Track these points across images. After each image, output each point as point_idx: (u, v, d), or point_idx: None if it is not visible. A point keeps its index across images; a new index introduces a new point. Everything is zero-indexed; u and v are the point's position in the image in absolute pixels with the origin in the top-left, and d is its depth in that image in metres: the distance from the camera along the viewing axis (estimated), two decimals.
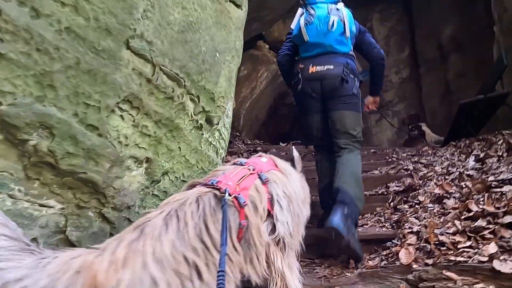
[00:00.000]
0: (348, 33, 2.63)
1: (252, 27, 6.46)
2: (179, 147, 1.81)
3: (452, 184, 1.95)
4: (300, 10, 2.80)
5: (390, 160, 3.22)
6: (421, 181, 2.21)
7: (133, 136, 1.57)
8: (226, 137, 2.23)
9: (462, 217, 1.55)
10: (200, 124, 1.93)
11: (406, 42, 8.57)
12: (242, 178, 1.24)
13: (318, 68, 2.59)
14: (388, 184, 2.43)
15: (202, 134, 1.97)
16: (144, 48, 1.56)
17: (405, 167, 2.67)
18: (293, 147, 2.00)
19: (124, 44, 1.49)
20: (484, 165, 2.11)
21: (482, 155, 2.21)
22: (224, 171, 1.33)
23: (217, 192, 1.17)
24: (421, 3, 8.39)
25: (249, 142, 4.53)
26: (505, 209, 1.45)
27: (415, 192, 2.08)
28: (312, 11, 2.67)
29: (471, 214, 1.54)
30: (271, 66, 7.41)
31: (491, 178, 1.77)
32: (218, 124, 2.08)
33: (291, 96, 8.99)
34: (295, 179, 1.46)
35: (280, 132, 9.25)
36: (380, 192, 2.37)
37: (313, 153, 2.96)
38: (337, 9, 2.67)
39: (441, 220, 1.64)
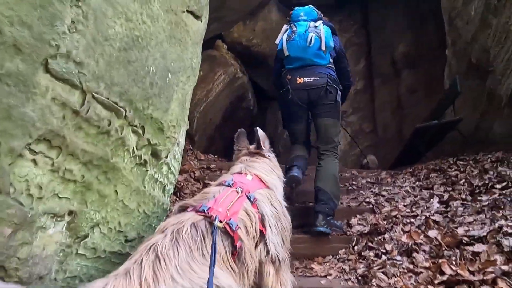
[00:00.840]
0: (324, 47, 2.87)
1: (211, 27, 6.10)
2: (116, 191, 1.46)
3: (420, 232, 1.84)
4: (284, 27, 3.10)
5: (350, 188, 3.11)
6: (385, 223, 2.08)
7: (50, 184, 1.21)
8: (176, 169, 1.91)
9: (436, 281, 1.42)
10: (144, 160, 1.59)
11: (362, 54, 8.73)
12: (231, 202, 1.28)
13: (305, 79, 2.87)
14: (350, 222, 2.28)
15: (146, 171, 1.63)
16: (70, 70, 1.19)
17: (367, 199, 2.56)
18: (258, 128, 2.04)
19: (41, 66, 1.12)
20: (449, 209, 2.04)
21: (445, 196, 2.15)
22: (213, 194, 1.35)
23: (209, 220, 1.21)
24: (377, 18, 8.60)
25: (202, 158, 4.21)
26: (481, 276, 1.34)
27: (380, 237, 1.94)
28: (294, 28, 2.96)
29: (444, 278, 1.42)
30: (229, 69, 7.09)
31: (461, 230, 1.69)
32: (167, 157, 1.75)
33: (248, 100, 8.76)
34: (279, 188, 1.54)
35: None
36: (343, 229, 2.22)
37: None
38: (316, 26, 2.95)
39: (412, 280, 1.50)
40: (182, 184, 2.95)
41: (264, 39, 8.38)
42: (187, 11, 1.79)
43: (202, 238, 1.13)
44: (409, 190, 2.55)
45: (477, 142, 4.13)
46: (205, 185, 3.18)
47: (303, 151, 3.00)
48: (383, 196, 2.58)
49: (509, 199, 1.77)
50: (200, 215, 1.23)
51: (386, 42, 8.19)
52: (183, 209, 1.33)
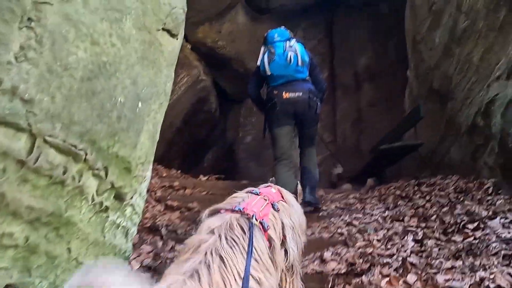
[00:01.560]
0: (301, 63, 3.27)
1: None
2: (69, 249, 1.20)
3: (398, 276, 1.80)
4: (262, 49, 3.42)
5: (320, 214, 3.04)
6: (362, 261, 2.01)
7: None
8: (141, 207, 1.66)
9: None
10: (106, 206, 1.34)
11: (325, 64, 8.84)
12: (262, 206, 1.36)
13: (291, 94, 3.22)
14: (323, 256, 2.18)
15: (107, 217, 1.38)
16: (16, 111, 0.93)
17: (338, 229, 2.50)
18: (298, 182, 2.32)
19: None
20: (423, 248, 2.03)
21: (420, 234, 2.14)
22: (243, 198, 1.41)
23: (246, 217, 1.26)
24: (341, 29, 8.76)
25: (164, 175, 3.90)
26: None
27: (358, 280, 1.85)
28: (272, 50, 3.29)
29: None
30: (192, 71, 6.77)
31: (441, 279, 1.66)
32: (132, 198, 1.51)
33: (210, 103, 8.48)
34: (297, 210, 1.59)
35: (197, 138, 8.69)
36: (316, 264, 2.11)
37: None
38: (291, 46, 3.30)
39: None
40: None
41: (229, 42, 8.16)
42: (163, 29, 1.56)
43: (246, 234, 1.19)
44: (380, 221, 2.53)
45: (434, 164, 4.30)
46: (167, 207, 2.93)
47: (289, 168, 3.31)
48: (354, 226, 2.53)
49: (484, 244, 1.79)
50: (238, 213, 1.28)
51: (349, 54, 8.37)
52: (214, 212, 1.33)
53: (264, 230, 1.27)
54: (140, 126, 1.44)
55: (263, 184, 1.63)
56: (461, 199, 2.61)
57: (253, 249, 1.13)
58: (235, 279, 1.00)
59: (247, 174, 8.29)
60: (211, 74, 8.30)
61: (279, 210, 1.43)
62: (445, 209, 2.42)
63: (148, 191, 3.01)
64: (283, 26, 3.57)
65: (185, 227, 2.76)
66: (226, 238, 1.12)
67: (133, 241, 1.63)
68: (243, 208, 1.28)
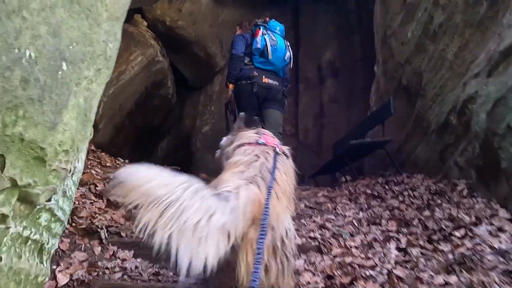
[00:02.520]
0: (290, 66, 3.71)
1: None
2: None
3: None
4: (262, 29, 3.49)
5: None
6: (341, 273, 1.73)
7: None
8: (66, 212, 1.22)
9: None
10: (2, 214, 0.89)
11: None
12: (277, 142, 1.63)
13: (270, 80, 3.43)
14: (296, 265, 1.88)
15: (7, 229, 0.93)
16: None
17: (311, 233, 2.21)
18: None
19: None
20: (408, 258, 1.80)
21: (403, 241, 1.91)
22: (259, 134, 1.67)
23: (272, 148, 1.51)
24: (308, 21, 8.55)
25: (108, 164, 3.32)
26: None
27: None
28: (274, 38, 3.46)
29: None
30: (148, 50, 6.12)
31: None
32: (50, 200, 1.06)
33: (167, 88, 7.84)
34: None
35: (150, 125, 8.05)
36: None
37: None
38: (289, 45, 3.60)
39: None
40: (77, 202, 2.17)
41: (190, 23, 7.58)
42: None
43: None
44: (356, 224, 2.29)
45: (399, 162, 4.21)
46: (109, 203, 2.44)
47: None
48: (328, 229, 2.26)
49: (478, 257, 1.59)
50: (264, 146, 1.52)
51: (315, 47, 8.19)
52: (240, 145, 1.54)
53: (287, 157, 1.56)
54: (63, 98, 0.99)
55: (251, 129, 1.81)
56: (438, 201, 2.44)
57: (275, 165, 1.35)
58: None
59: (203, 166, 7.84)
60: (169, 57, 7.69)
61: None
62: (426, 212, 2.22)
63: (86, 184, 2.50)
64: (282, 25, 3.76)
65: (131, 228, 2.31)
66: (268, 159, 1.39)
67: (49, 259, 1.17)
68: (266, 142, 1.54)
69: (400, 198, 2.74)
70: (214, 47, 8.18)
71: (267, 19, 3.68)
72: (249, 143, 1.52)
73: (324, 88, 7.88)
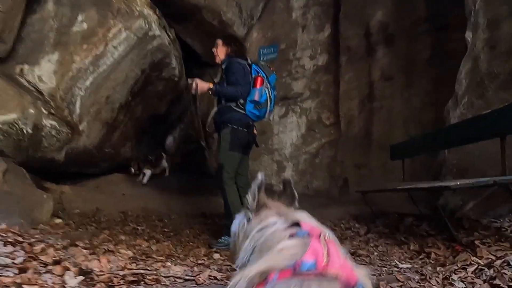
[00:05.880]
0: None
1: None
2: None
3: None
4: (265, 81, 3.46)
5: None
6: None
7: None
8: None
9: None
10: None
11: (327, 19, 6.66)
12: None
13: (255, 132, 3.58)
14: None
15: None
16: None
17: None
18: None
19: None
20: None
21: None
22: (302, 240, 1.03)
23: None
24: None
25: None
26: None
27: None
28: (270, 89, 3.52)
29: None
30: (136, 22, 4.50)
31: None
32: None
33: (171, 68, 6.27)
34: None
35: (154, 115, 6.67)
36: None
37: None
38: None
39: None
40: None
41: None
42: None
43: None
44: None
45: None
46: None
47: None
48: None
49: None
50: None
51: (360, 5, 6.21)
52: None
53: None
54: None
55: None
56: None
57: None
58: None
59: None
60: (173, 28, 6.08)
61: None
62: None
63: None
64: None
65: None
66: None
67: None
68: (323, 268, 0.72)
69: None
70: (230, 12, 6.44)
71: (271, 69, 3.66)
72: (281, 272, 0.68)
73: (374, 62, 5.97)
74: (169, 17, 5.81)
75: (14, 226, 2.44)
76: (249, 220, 1.32)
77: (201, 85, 3.47)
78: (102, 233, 2.92)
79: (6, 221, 2.50)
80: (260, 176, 1.45)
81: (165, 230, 3.65)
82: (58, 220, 3.12)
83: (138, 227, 3.53)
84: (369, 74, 5.93)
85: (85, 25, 4.03)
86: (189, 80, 3.58)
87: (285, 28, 6.87)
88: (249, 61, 3.57)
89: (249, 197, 1.59)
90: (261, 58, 7.00)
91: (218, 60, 3.74)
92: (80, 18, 4.01)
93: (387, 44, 5.93)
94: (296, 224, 0.93)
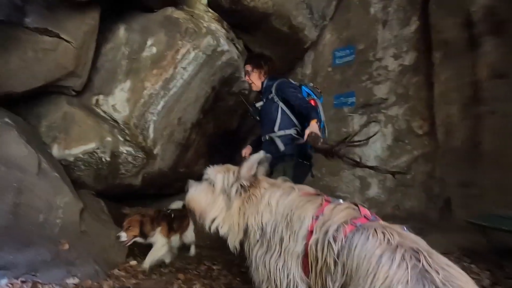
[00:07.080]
0: None
1: None
2: None
3: None
4: (316, 101, 3.12)
5: None
6: None
7: None
8: None
9: None
10: None
11: (414, 10, 5.73)
12: None
13: None
14: None
15: None
16: None
17: None
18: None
19: None
20: None
21: None
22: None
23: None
24: None
25: None
26: None
27: None
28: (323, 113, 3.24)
29: None
30: (204, 40, 4.27)
31: None
32: None
33: (240, 83, 6.01)
34: None
35: (226, 130, 6.52)
36: None
37: None
38: None
39: None
40: None
41: None
42: None
43: None
44: None
45: None
46: None
47: None
48: None
49: None
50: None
51: None
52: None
53: None
54: None
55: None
56: None
57: None
58: None
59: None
60: (241, 39, 5.81)
61: None
62: None
63: None
64: None
65: None
66: None
67: None
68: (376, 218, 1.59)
69: None
70: (300, 16, 5.96)
71: (319, 91, 3.29)
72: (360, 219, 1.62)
73: (480, 56, 4.92)
74: (236, 28, 5.55)
75: (87, 280, 2.29)
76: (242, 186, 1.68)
77: (316, 131, 2.64)
78: (177, 279, 2.68)
79: (81, 270, 2.38)
80: (262, 153, 1.74)
81: (242, 270, 3.14)
82: (133, 262, 2.98)
83: (214, 267, 3.23)
84: (474, 72, 4.91)
85: (154, 49, 3.91)
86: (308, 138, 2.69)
87: (362, 26, 6.14)
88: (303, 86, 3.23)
89: (244, 166, 1.68)
90: (336, 62, 6.37)
91: (255, 88, 3.25)
92: (149, 42, 3.90)
93: (496, 34, 4.83)
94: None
